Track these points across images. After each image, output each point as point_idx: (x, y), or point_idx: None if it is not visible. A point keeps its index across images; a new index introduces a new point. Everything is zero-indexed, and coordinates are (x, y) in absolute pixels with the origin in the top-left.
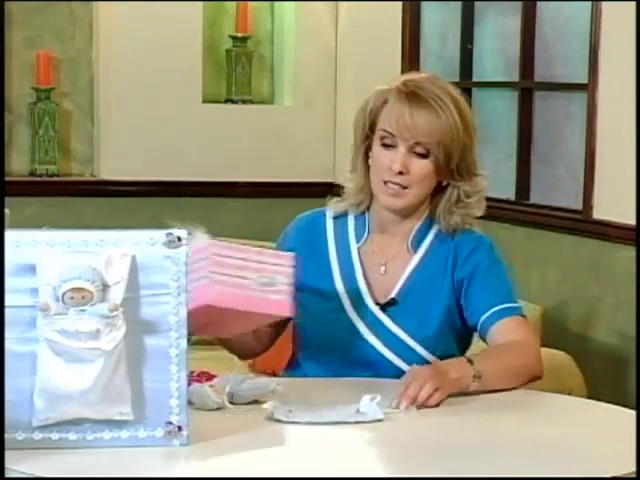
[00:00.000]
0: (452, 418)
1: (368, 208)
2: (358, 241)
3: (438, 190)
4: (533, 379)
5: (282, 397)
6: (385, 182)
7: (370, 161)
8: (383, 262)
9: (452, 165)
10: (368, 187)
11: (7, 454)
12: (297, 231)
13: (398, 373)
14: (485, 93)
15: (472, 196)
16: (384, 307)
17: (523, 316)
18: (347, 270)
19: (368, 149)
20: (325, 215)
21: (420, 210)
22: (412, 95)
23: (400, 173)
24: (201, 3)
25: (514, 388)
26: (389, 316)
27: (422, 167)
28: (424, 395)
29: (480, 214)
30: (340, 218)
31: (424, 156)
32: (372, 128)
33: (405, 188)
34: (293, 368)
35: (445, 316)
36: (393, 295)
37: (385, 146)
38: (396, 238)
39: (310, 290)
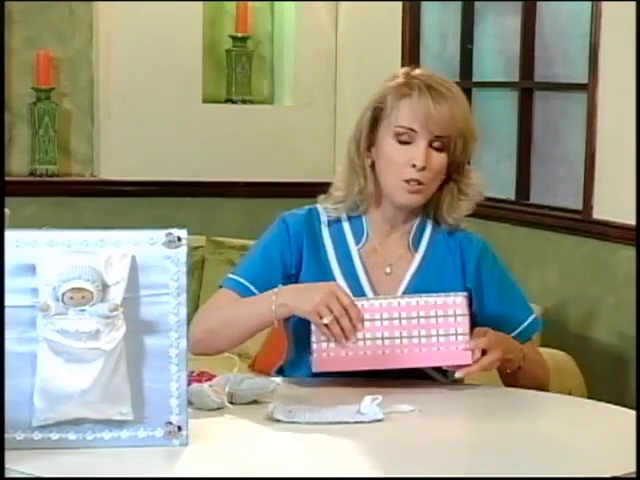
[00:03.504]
0: (452, 418)
1: (364, 210)
2: (357, 243)
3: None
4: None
5: (282, 397)
6: (406, 180)
7: (378, 160)
8: (389, 262)
9: (464, 157)
10: (373, 189)
11: (7, 454)
12: (297, 229)
13: (407, 373)
14: (485, 93)
15: (471, 189)
16: None
17: (539, 326)
18: (349, 272)
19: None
20: (319, 219)
21: (419, 206)
22: (432, 89)
23: (422, 168)
24: (201, 3)
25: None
26: None
27: (440, 161)
28: (485, 363)
29: (480, 199)
30: (334, 223)
31: (441, 150)
32: (377, 126)
33: (423, 184)
34: (294, 368)
35: None
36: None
37: (401, 143)
38: (396, 236)
39: None
